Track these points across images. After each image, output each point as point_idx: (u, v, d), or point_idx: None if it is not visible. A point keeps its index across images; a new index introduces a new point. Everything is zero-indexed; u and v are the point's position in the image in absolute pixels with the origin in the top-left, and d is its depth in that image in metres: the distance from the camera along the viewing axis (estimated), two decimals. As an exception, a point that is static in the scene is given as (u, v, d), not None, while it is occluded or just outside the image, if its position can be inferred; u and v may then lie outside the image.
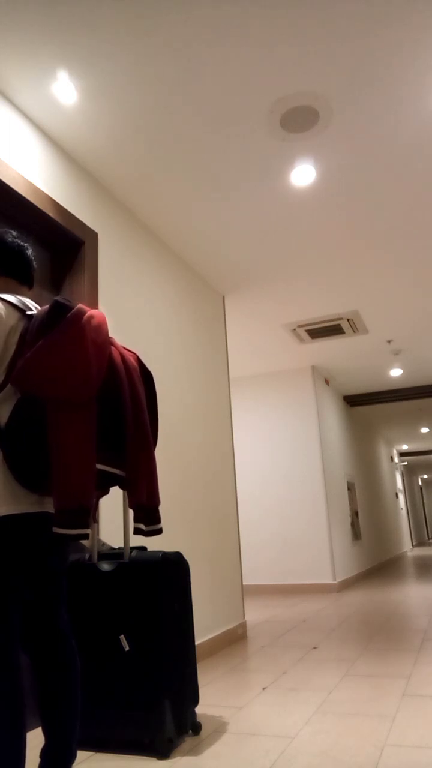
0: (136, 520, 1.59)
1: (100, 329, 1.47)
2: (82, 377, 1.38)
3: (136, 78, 2.27)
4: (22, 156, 2.36)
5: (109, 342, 1.53)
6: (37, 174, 2.43)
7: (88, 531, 1.36)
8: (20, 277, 1.61)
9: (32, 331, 1.42)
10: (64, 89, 2.29)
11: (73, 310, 1.44)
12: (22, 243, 1.61)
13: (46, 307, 1.46)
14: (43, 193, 2.42)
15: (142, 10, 1.99)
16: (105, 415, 1.46)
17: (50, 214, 2.44)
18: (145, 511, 1.59)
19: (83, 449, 1.36)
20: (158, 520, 1.62)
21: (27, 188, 2.33)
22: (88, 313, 1.47)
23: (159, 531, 1.62)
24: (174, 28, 2.06)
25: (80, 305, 1.48)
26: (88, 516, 1.36)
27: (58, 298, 1.46)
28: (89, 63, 2.18)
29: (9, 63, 2.16)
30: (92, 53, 2.14)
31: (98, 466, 1.44)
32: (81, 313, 1.45)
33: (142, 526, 1.59)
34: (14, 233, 1.62)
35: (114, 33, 2.06)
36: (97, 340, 1.44)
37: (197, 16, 2.02)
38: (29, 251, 1.63)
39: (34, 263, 1.64)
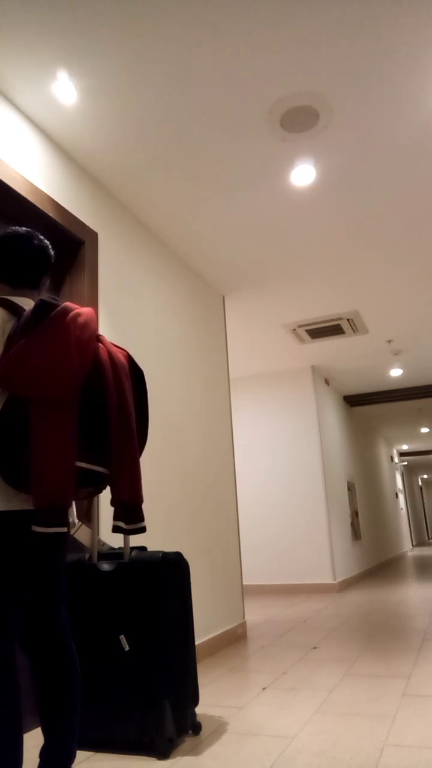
0: (115, 518, 1.56)
1: (87, 326, 1.46)
2: (63, 377, 1.37)
3: (136, 78, 2.27)
4: (22, 156, 2.36)
5: (96, 339, 1.51)
6: (37, 174, 2.43)
7: (65, 529, 1.36)
8: (8, 280, 1.57)
9: (18, 331, 1.42)
10: (64, 89, 2.29)
11: (58, 308, 1.43)
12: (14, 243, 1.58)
13: (32, 306, 1.46)
14: (43, 193, 2.42)
15: (142, 11, 1.99)
16: (89, 412, 1.45)
17: (50, 214, 2.44)
18: (126, 509, 1.55)
19: (62, 448, 1.36)
20: (141, 519, 1.58)
21: (27, 188, 2.33)
22: (75, 311, 1.46)
23: (142, 530, 1.58)
24: (174, 29, 2.06)
25: (66, 303, 1.47)
26: (66, 514, 1.36)
27: (43, 296, 1.46)
28: (89, 63, 2.18)
29: (9, 63, 2.16)
30: (92, 53, 2.14)
31: (81, 464, 1.44)
32: (66, 312, 1.44)
33: (122, 524, 1.55)
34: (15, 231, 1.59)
35: (114, 33, 2.06)
36: (82, 337, 1.43)
37: (197, 16, 2.02)
38: (26, 251, 1.58)
39: (32, 264, 1.59)
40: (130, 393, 1.59)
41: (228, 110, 2.47)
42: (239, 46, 2.15)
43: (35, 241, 1.61)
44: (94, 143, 2.62)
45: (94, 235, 2.73)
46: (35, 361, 1.36)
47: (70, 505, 1.38)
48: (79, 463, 1.43)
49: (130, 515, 1.56)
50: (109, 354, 1.55)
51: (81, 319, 1.45)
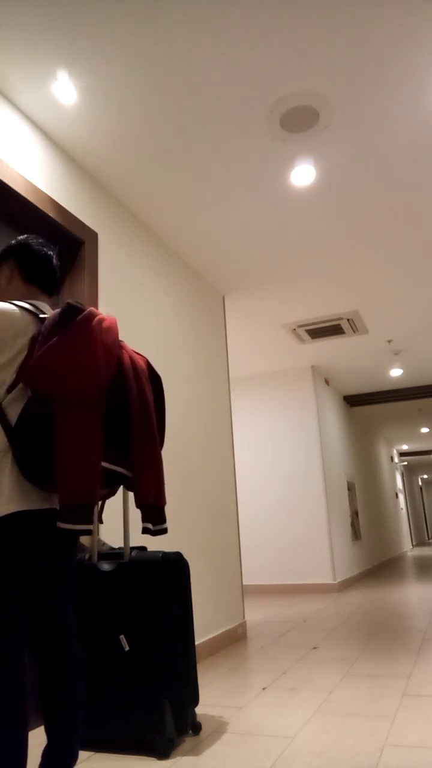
0: (144, 520, 1.61)
1: (110, 331, 1.50)
2: (90, 375, 1.41)
3: (136, 78, 2.27)
4: (22, 156, 2.36)
5: (119, 344, 1.55)
6: (37, 174, 2.43)
7: (91, 526, 1.37)
8: (43, 285, 1.64)
9: (44, 333, 1.45)
10: (64, 89, 2.29)
11: (84, 313, 1.48)
12: (48, 252, 1.65)
13: (58, 309, 1.50)
14: (43, 193, 2.42)
15: (143, 11, 1.99)
16: (112, 414, 1.48)
17: (50, 214, 2.44)
18: (153, 511, 1.61)
19: (89, 446, 1.38)
20: (164, 520, 1.64)
21: (27, 188, 2.33)
22: (99, 316, 1.50)
23: (165, 530, 1.64)
24: (174, 29, 2.06)
25: (92, 308, 1.51)
26: (92, 512, 1.38)
27: (70, 300, 1.50)
28: (89, 63, 2.18)
29: (9, 63, 2.16)
30: (92, 53, 2.14)
31: (103, 464, 1.46)
32: (92, 316, 1.48)
33: (150, 526, 1.60)
34: (40, 240, 1.65)
35: (114, 33, 2.06)
36: (107, 341, 1.47)
37: (197, 16, 2.02)
38: (54, 260, 1.66)
39: (58, 273, 1.67)
40: (151, 397, 1.63)
41: (228, 110, 2.47)
42: (239, 45, 2.15)
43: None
44: (94, 143, 2.62)
45: (94, 235, 2.73)
46: (61, 360, 1.39)
47: (97, 502, 1.40)
48: (102, 463, 1.45)
49: (156, 517, 1.62)
50: (131, 359, 1.59)
51: (105, 324, 1.49)
